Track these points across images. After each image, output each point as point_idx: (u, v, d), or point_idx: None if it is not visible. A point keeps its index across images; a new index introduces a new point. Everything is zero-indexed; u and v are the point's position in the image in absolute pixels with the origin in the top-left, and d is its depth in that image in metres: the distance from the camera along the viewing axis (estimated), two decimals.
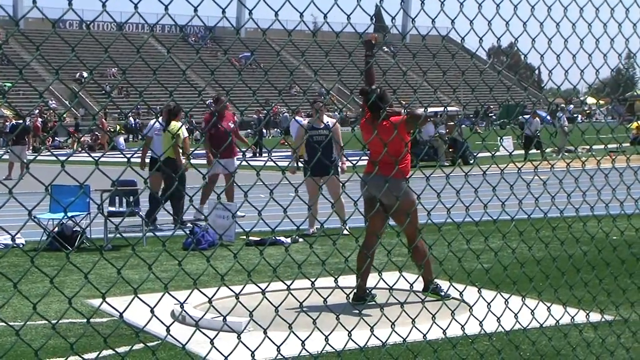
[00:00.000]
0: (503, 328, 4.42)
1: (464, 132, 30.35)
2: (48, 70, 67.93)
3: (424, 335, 4.01)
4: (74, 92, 56.50)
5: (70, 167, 2.36)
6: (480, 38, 3.79)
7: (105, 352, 5.86)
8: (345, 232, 11.78)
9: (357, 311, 3.63)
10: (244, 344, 3.19)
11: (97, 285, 8.70)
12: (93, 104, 66.11)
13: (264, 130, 40.06)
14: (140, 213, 12.69)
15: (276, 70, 66.25)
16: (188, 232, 12.00)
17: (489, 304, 4.18)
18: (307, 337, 3.41)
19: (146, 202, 13.99)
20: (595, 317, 5.59)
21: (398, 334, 3.78)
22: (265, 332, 3.21)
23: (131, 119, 56.91)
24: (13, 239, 2.40)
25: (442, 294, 7.41)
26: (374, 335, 3.69)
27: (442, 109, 29.43)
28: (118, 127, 49.09)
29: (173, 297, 3.03)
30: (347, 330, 3.55)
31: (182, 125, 13.57)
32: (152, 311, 2.81)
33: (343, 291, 3.80)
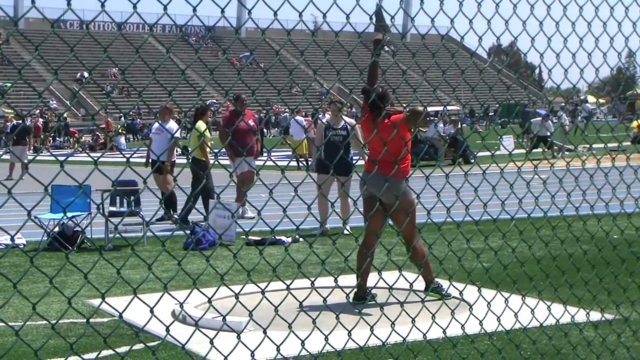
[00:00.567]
0: (503, 327, 4.42)
1: (464, 131, 30.34)
2: (49, 70, 67.95)
3: (424, 334, 4.01)
4: (73, 92, 56.47)
5: (72, 167, 2.36)
6: (479, 37, 3.79)
7: (105, 352, 5.86)
8: (346, 231, 11.79)
9: (357, 311, 3.63)
10: (243, 344, 3.19)
11: (98, 285, 8.70)
12: (94, 104, 66.10)
13: (264, 130, 40.03)
14: (141, 213, 12.70)
15: (276, 70, 66.25)
16: (189, 232, 12.01)
17: (489, 303, 4.18)
18: (307, 337, 3.41)
19: (146, 202, 14.00)
20: (595, 316, 5.59)
21: (398, 334, 3.78)
22: (265, 332, 3.21)
23: (123, 119, 56.85)
24: (12, 239, 2.40)
25: (443, 293, 7.42)
26: (374, 335, 3.69)
27: (441, 108, 29.42)
28: (119, 127, 49.10)
29: (173, 297, 3.04)
30: (347, 330, 3.55)
31: (208, 125, 13.61)
32: (151, 311, 2.81)
33: (343, 291, 3.80)
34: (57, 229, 11.62)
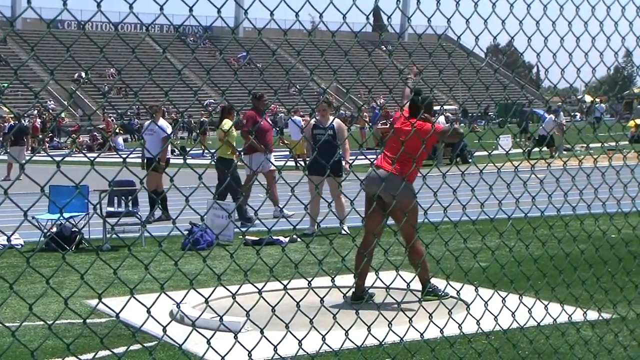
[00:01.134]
0: (501, 327, 4.42)
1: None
2: (46, 71, 67.91)
3: (422, 334, 4.01)
4: (69, 92, 56.42)
5: (70, 167, 2.36)
6: (476, 37, 3.79)
7: (102, 353, 5.86)
8: (343, 231, 11.79)
9: (355, 310, 3.63)
10: (241, 344, 3.19)
11: (97, 285, 8.70)
12: (92, 105, 66.05)
13: None
14: (139, 214, 12.70)
15: (274, 70, 66.27)
16: (186, 232, 12.01)
17: (486, 302, 4.18)
18: (304, 337, 3.41)
19: (143, 203, 14.01)
20: (592, 315, 5.60)
21: (395, 333, 3.78)
22: (262, 332, 3.21)
23: (119, 119, 56.81)
24: (9, 239, 2.40)
25: (440, 293, 7.40)
26: (372, 335, 3.69)
27: (438, 107, 29.39)
28: (116, 128, 49.06)
29: (170, 297, 3.03)
30: (345, 330, 3.55)
31: (233, 123, 13.67)
32: (148, 311, 2.81)
33: (340, 290, 3.80)
34: (54, 229, 11.61)
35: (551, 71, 4.22)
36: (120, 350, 5.97)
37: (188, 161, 3.02)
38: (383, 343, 3.86)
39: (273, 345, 3.30)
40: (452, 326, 4.12)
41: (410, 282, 4.18)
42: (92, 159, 2.51)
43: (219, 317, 3.30)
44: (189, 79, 71.01)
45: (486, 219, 4.15)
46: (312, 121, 12.74)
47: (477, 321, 4.17)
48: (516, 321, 4.39)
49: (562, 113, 29.72)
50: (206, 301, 3.08)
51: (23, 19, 74.89)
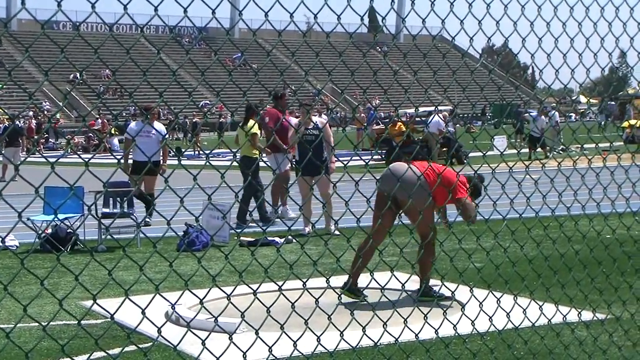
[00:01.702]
0: (495, 327, 4.43)
1: (457, 131, 30.38)
2: (41, 72, 67.94)
3: (417, 335, 4.02)
4: (63, 93, 56.34)
5: (66, 168, 2.36)
6: (470, 38, 3.80)
7: (97, 354, 5.86)
8: (336, 232, 11.79)
9: (350, 311, 3.63)
10: (235, 345, 3.19)
11: (92, 287, 8.70)
12: (87, 106, 66.00)
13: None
14: (134, 215, 12.68)
15: (269, 71, 66.28)
16: (182, 233, 12.00)
17: (481, 303, 4.19)
18: (299, 338, 3.41)
19: (139, 204, 13.98)
20: (587, 315, 5.61)
21: (390, 334, 3.79)
22: (257, 333, 3.21)
23: (115, 120, 56.73)
24: (3, 240, 2.40)
25: (436, 295, 7.40)
26: (366, 336, 3.70)
27: (433, 108, 29.45)
28: (110, 128, 48.96)
29: (165, 298, 3.04)
30: (339, 331, 3.55)
31: (255, 123, 13.69)
32: (143, 312, 2.81)
33: (335, 291, 3.80)
34: (49, 230, 11.59)
35: (545, 72, 4.23)
36: (115, 351, 5.97)
37: (182, 162, 3.02)
38: (378, 344, 3.86)
39: (268, 346, 3.30)
40: (447, 327, 4.13)
41: (405, 282, 4.18)
42: (86, 160, 2.51)
43: (213, 318, 3.30)
44: (184, 81, 70.98)
45: (481, 220, 4.15)
46: (295, 122, 12.79)
47: (472, 322, 4.18)
48: (511, 322, 4.39)
49: (556, 113, 29.74)
50: (201, 302, 3.08)
51: (18, 20, 74.79)
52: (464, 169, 4.09)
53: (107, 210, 12.51)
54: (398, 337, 3.92)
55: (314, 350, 3.55)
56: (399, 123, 28.56)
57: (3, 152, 24.98)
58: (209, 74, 74.60)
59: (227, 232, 11.64)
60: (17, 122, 32.00)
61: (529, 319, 4.65)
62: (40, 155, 30.51)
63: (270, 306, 3.28)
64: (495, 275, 4.52)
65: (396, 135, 27.46)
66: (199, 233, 11.36)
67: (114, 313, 2.88)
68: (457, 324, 4.16)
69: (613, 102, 47.67)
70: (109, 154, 33.02)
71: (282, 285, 3.32)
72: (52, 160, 2.44)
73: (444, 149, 27.36)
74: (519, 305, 4.40)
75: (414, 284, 7.62)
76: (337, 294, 3.95)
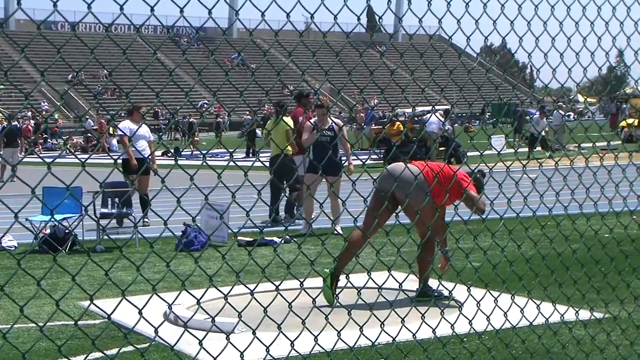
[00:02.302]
0: (493, 327, 4.43)
1: (455, 130, 30.40)
2: (39, 72, 67.79)
3: (414, 334, 4.02)
4: (60, 94, 56.32)
5: (65, 169, 2.36)
6: (467, 37, 3.80)
7: (95, 354, 5.85)
8: (335, 232, 11.79)
9: (347, 311, 3.63)
10: (233, 345, 3.19)
11: (90, 287, 8.69)
12: (85, 106, 65.96)
13: (256, 131, 39.96)
14: (132, 215, 12.68)
15: (267, 71, 66.25)
16: (180, 233, 11.99)
17: (478, 302, 4.19)
18: (297, 338, 3.41)
19: (137, 204, 13.97)
20: (584, 314, 5.61)
21: (388, 334, 3.79)
22: (254, 333, 3.21)
23: (111, 120, 56.62)
24: (0, 241, 2.39)
25: (435, 294, 7.39)
26: (364, 335, 3.70)
27: (430, 107, 29.48)
28: (108, 128, 48.92)
29: (162, 298, 3.03)
30: (337, 331, 3.55)
31: (278, 121, 13.75)
32: (140, 313, 2.81)
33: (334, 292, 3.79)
34: (48, 230, 11.58)
35: (543, 71, 4.23)
36: (112, 351, 5.96)
37: (179, 162, 3.02)
38: (376, 343, 3.87)
39: (265, 346, 3.30)
40: (444, 326, 4.13)
41: (402, 282, 4.18)
42: (83, 160, 2.51)
43: (211, 318, 3.30)
44: (182, 81, 70.95)
45: (478, 219, 4.16)
46: (311, 122, 12.72)
47: (470, 321, 4.18)
48: (508, 321, 4.40)
49: (560, 112, 29.75)
50: (198, 302, 3.08)
51: (16, 20, 74.78)
52: (462, 168, 4.09)
53: (105, 210, 12.50)
54: (395, 337, 3.92)
55: (312, 350, 3.56)
56: (397, 122, 28.60)
57: (1, 152, 24.94)
58: (207, 74, 74.57)
59: (225, 232, 11.63)
60: (15, 123, 31.95)
61: (526, 318, 4.65)
62: (36, 156, 30.45)
63: (268, 306, 3.28)
64: (493, 275, 4.52)
65: (394, 134, 27.51)
66: (198, 233, 11.36)
67: (111, 313, 2.88)
68: (454, 323, 4.16)
69: (612, 103, 47.72)
70: (107, 154, 33.02)
71: (279, 285, 3.32)
72: (48, 160, 2.44)
73: (442, 149, 27.38)
74: (517, 304, 4.41)
75: (412, 283, 7.62)
76: (335, 294, 3.95)
